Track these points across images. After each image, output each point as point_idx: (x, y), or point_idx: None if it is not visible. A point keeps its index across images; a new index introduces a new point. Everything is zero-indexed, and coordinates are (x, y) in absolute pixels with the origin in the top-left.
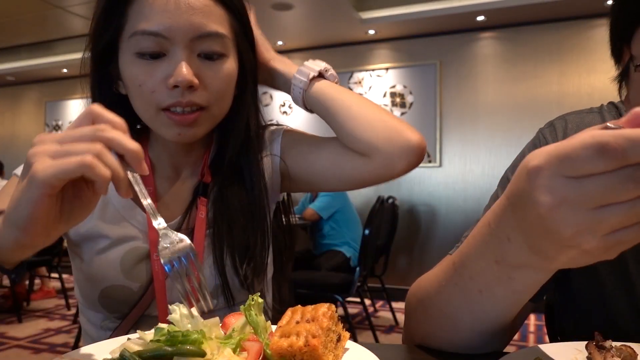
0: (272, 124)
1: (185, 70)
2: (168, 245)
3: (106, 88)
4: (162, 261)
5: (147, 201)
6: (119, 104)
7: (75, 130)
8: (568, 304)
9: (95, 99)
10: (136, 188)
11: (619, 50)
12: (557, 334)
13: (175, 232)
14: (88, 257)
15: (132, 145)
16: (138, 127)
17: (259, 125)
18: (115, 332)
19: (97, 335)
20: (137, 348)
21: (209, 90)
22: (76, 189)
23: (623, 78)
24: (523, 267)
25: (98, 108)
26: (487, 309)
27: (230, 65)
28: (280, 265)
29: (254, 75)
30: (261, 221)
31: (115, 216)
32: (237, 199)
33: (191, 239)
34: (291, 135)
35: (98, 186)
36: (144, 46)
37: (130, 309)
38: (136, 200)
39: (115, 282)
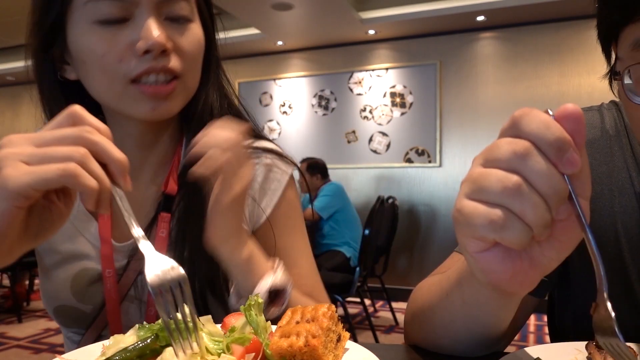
0: (276, 155)
1: (157, 32)
2: (159, 272)
3: (51, 76)
4: (150, 290)
5: (132, 218)
6: (67, 93)
7: (55, 131)
8: (567, 302)
9: (43, 90)
10: (119, 204)
11: (608, 47)
12: (557, 331)
13: (164, 256)
14: (41, 271)
15: (119, 154)
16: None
17: (224, 115)
18: (80, 345)
19: (69, 345)
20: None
21: (182, 55)
22: (46, 200)
23: (613, 74)
24: (469, 274)
25: (81, 110)
26: (449, 316)
27: (198, 30)
28: None
29: (217, 50)
30: None
31: (68, 228)
32: (202, 217)
33: None
34: (282, 215)
35: (84, 198)
36: (104, 12)
37: (86, 329)
38: (93, 212)
39: (66, 303)
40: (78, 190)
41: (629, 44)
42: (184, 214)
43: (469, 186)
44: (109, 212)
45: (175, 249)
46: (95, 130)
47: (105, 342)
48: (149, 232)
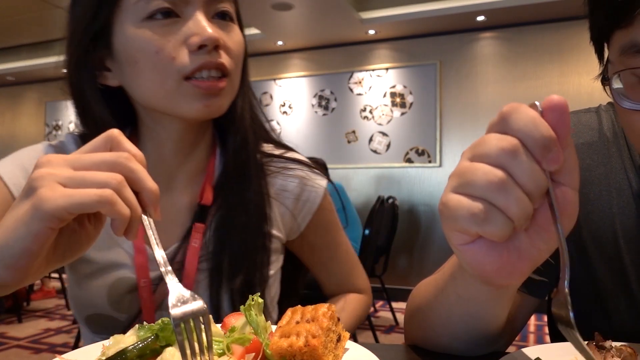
0: (308, 167)
1: (210, 28)
2: (182, 305)
3: (92, 84)
4: (172, 321)
5: (160, 253)
6: (103, 101)
7: (92, 155)
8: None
9: (85, 99)
10: (149, 233)
11: (600, 49)
12: (557, 331)
13: (187, 291)
14: (75, 279)
15: (152, 183)
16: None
17: (256, 123)
18: None
19: None
20: (124, 344)
21: (229, 53)
22: (76, 222)
23: (603, 79)
24: (459, 267)
25: (119, 134)
26: (446, 311)
27: (240, 32)
28: (293, 288)
29: (247, 60)
30: (264, 253)
31: (104, 237)
32: (240, 228)
33: (182, 271)
34: (319, 221)
35: (115, 225)
36: (155, 8)
37: None
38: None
39: (101, 311)
40: (111, 217)
41: (617, 48)
42: (222, 225)
43: (455, 180)
44: (137, 238)
45: (213, 260)
46: (132, 157)
47: (106, 342)
48: (184, 242)
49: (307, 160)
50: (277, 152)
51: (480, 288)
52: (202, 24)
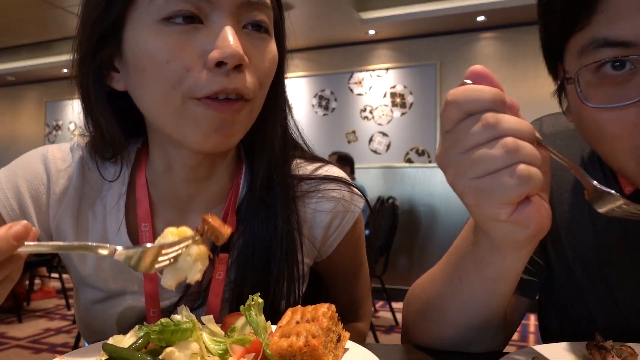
0: (345, 185)
1: (234, 42)
2: None
3: (99, 84)
4: None
5: None
6: (113, 105)
7: None
8: (552, 305)
9: (90, 98)
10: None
11: (554, 66)
12: (547, 333)
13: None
14: (83, 304)
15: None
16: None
17: (288, 141)
18: None
19: None
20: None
21: (257, 73)
22: None
23: (561, 92)
24: (490, 250)
25: None
26: (467, 299)
27: (274, 46)
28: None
29: (285, 72)
30: (290, 282)
31: (115, 263)
32: (264, 257)
33: (204, 301)
34: (347, 246)
35: None
36: (174, 9)
37: None
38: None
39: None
40: None
41: (576, 52)
42: (244, 253)
43: (465, 169)
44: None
45: (234, 290)
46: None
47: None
48: (204, 274)
49: (343, 176)
50: (310, 167)
51: (501, 255)
52: (226, 37)
